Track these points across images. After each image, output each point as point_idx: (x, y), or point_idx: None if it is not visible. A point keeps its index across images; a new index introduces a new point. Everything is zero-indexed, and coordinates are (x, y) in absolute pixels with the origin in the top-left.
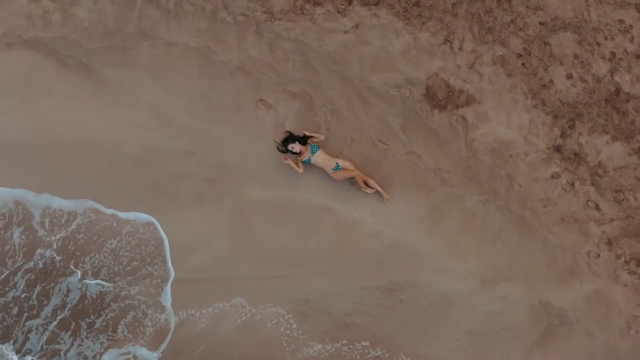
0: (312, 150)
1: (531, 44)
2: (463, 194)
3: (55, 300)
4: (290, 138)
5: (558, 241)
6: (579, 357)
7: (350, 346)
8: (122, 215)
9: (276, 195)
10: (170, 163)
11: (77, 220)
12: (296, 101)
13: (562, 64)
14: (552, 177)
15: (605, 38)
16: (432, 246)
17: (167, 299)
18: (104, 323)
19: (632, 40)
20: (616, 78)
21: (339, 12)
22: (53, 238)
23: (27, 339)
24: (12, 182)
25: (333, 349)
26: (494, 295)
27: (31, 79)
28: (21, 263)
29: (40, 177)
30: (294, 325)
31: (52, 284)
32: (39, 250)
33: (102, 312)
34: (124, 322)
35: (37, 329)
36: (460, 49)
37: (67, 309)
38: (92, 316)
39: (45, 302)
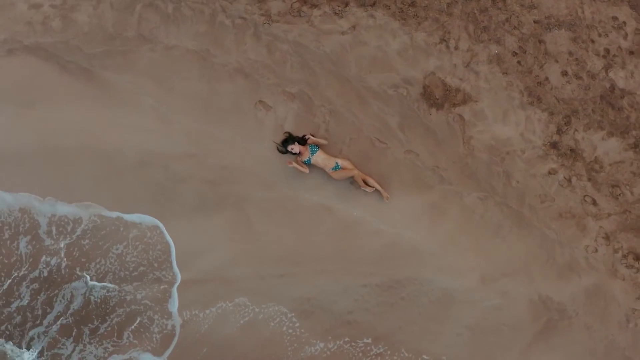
0: (311, 151)
1: (526, 42)
2: (461, 191)
3: (59, 307)
4: (289, 139)
5: (556, 236)
6: (578, 350)
7: (353, 343)
8: (127, 217)
9: (277, 195)
10: (171, 165)
11: (82, 225)
12: (295, 102)
13: (557, 61)
14: (549, 173)
15: (599, 35)
16: (431, 243)
17: (174, 304)
18: (109, 329)
19: (625, 37)
20: (611, 74)
21: (335, 13)
22: (59, 246)
23: (29, 347)
24: (15, 186)
25: (335, 347)
26: (494, 291)
27: (33, 84)
28: (26, 272)
29: (43, 181)
30: (297, 324)
31: (57, 291)
32: (44, 257)
33: (106, 317)
34: (130, 329)
35: (38, 336)
36: (456, 48)
37: (69, 315)
38: (95, 322)
39: (48, 310)
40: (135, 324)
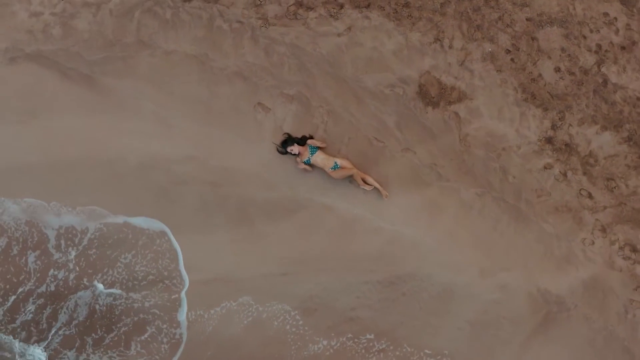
0: (311, 151)
1: (519, 39)
2: (459, 187)
3: (63, 318)
4: (289, 140)
5: (553, 230)
6: (578, 342)
7: (355, 340)
8: (132, 220)
9: (277, 196)
10: (173, 168)
11: (89, 235)
12: (293, 103)
13: (549, 57)
14: (545, 168)
15: (591, 31)
16: (430, 239)
17: (182, 313)
18: (115, 338)
19: (617, 32)
20: (603, 69)
21: (331, 15)
22: (68, 258)
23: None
24: (20, 193)
25: (338, 344)
26: (493, 285)
27: (35, 91)
28: (33, 287)
29: (47, 188)
30: (300, 322)
31: (62, 303)
32: (52, 271)
33: (113, 327)
34: (139, 339)
35: (44, 349)
36: (451, 47)
37: (73, 326)
38: (99, 332)
39: (54, 323)
40: (146, 335)
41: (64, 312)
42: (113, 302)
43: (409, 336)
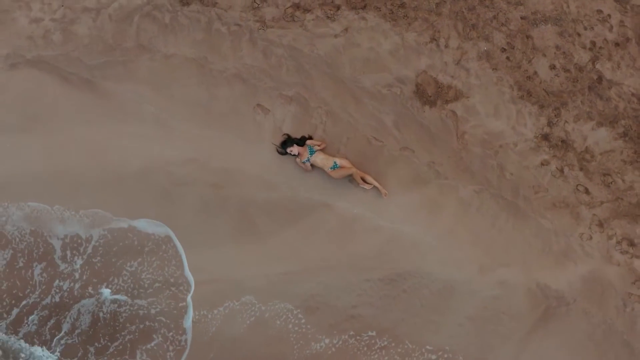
0: (310, 151)
1: (514, 38)
2: (457, 185)
3: (65, 327)
4: (288, 141)
5: (551, 225)
6: (578, 336)
7: (357, 337)
8: (135, 223)
9: (278, 196)
10: (174, 170)
11: (93, 242)
12: (292, 105)
13: (544, 55)
14: (542, 164)
15: (585, 28)
16: (430, 237)
17: (188, 319)
18: (120, 347)
19: (611, 29)
20: (598, 66)
21: (328, 17)
22: (73, 268)
23: None
24: (23, 198)
25: (340, 342)
26: (493, 281)
27: (36, 97)
28: (38, 299)
29: (49, 192)
30: (302, 320)
31: (66, 313)
32: (57, 282)
33: (117, 335)
34: (144, 347)
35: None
36: (446, 46)
37: (76, 335)
38: (102, 340)
39: (57, 334)
40: (152, 344)
41: (67, 322)
42: (117, 310)
43: (410, 333)
